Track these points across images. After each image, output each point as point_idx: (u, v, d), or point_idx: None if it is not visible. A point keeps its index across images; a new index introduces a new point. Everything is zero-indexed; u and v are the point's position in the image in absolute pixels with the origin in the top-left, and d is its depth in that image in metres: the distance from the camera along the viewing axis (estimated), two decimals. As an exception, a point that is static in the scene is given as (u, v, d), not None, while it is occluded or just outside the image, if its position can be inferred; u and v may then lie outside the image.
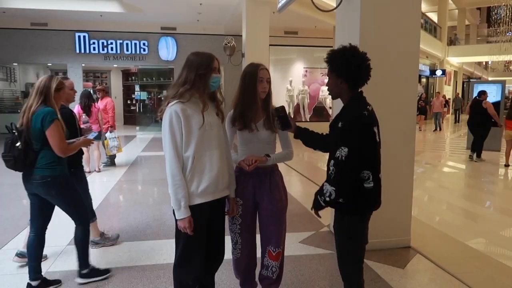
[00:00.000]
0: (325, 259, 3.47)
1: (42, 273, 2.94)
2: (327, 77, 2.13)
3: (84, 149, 4.06)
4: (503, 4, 19.70)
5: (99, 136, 5.35)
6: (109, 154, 7.57)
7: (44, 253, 3.02)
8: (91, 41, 14.45)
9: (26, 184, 2.83)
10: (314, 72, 15.32)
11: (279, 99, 14.08)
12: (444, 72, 23.22)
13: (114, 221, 4.55)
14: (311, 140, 2.36)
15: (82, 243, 2.99)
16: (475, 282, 3.07)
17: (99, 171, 7.31)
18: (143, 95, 16.45)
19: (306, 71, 15.26)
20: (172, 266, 2.24)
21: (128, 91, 17.93)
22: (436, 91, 21.77)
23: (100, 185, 6.42)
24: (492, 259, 3.62)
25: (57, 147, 2.71)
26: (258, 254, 2.53)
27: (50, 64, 15.61)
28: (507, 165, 8.21)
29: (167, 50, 15.02)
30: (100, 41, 14.52)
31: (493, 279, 3.19)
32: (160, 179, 6.73)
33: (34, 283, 2.85)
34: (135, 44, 14.80)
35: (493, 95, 10.07)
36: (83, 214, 2.99)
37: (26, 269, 3.12)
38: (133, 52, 14.85)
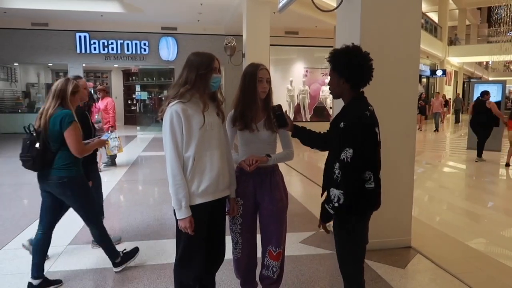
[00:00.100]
0: (325, 259, 3.47)
1: (45, 271, 2.95)
2: (329, 77, 2.13)
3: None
4: (504, 4, 19.70)
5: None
6: (109, 154, 7.56)
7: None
8: (92, 41, 14.46)
9: (42, 183, 2.91)
10: (314, 72, 15.32)
11: (279, 99, 14.08)
12: (444, 72, 23.22)
13: (114, 221, 4.55)
14: (309, 138, 2.36)
15: (101, 239, 3.11)
16: (476, 282, 3.07)
17: (99, 171, 7.30)
18: (144, 95, 16.48)
19: (306, 71, 15.26)
20: (173, 266, 2.24)
21: (128, 91, 17.95)
22: (436, 91, 21.77)
23: (100, 185, 6.42)
24: (493, 259, 3.62)
25: (75, 148, 2.80)
26: (259, 254, 2.53)
27: (51, 64, 15.64)
28: (507, 165, 8.21)
29: (168, 50, 15.03)
30: (101, 41, 14.53)
31: (493, 279, 3.19)
32: (160, 179, 6.73)
33: (35, 282, 2.86)
34: (136, 44, 14.81)
35: (494, 95, 10.06)
36: (94, 215, 3.08)
37: (26, 269, 3.13)
38: (134, 52, 14.85)
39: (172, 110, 2.03)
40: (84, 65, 14.72)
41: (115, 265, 3.17)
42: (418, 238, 3.83)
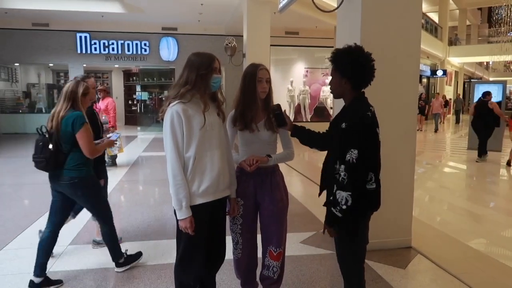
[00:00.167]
0: (326, 259, 3.47)
1: (46, 272, 2.95)
2: (331, 76, 2.12)
3: None
4: (504, 4, 19.69)
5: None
6: (110, 154, 7.57)
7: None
8: (92, 42, 14.48)
9: (53, 182, 2.97)
10: (315, 72, 15.32)
11: (280, 99, 14.07)
12: (445, 72, 23.21)
13: (115, 221, 4.50)
14: (308, 138, 2.36)
15: (110, 238, 3.17)
16: (476, 282, 3.06)
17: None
18: (144, 96, 16.50)
19: (307, 71, 15.26)
20: (173, 266, 2.25)
21: (129, 91, 17.96)
22: (437, 91, 21.75)
23: (101, 185, 6.42)
24: (493, 260, 3.61)
25: (87, 149, 2.86)
26: (259, 254, 2.53)
27: (52, 65, 15.66)
28: (509, 164, 8.21)
29: (168, 51, 15.04)
30: (101, 42, 14.54)
31: (494, 280, 3.19)
32: (161, 180, 6.74)
33: (37, 280, 2.88)
34: (136, 44, 14.82)
35: (494, 95, 10.04)
36: (105, 213, 3.14)
37: (27, 269, 3.14)
38: (134, 52, 14.87)
39: (172, 111, 2.03)
40: (84, 65, 14.73)
41: (118, 265, 3.20)
42: (418, 239, 3.82)
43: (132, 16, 13.11)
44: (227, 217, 2.38)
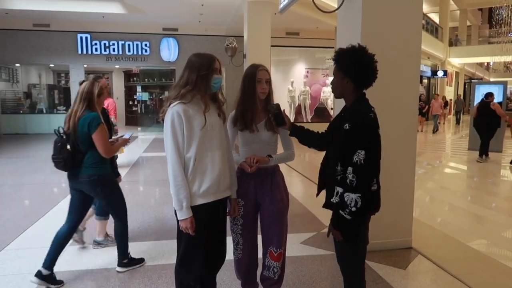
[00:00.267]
0: (326, 260, 3.47)
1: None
2: (333, 76, 2.12)
3: None
4: (505, 5, 19.68)
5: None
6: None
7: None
8: (93, 42, 14.49)
9: (72, 181, 3.07)
10: (315, 73, 15.33)
11: (280, 99, 14.07)
12: (445, 73, 23.21)
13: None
14: (306, 138, 2.35)
15: (121, 236, 3.22)
16: (477, 283, 3.06)
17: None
18: (145, 96, 16.52)
19: (307, 72, 15.27)
20: (174, 267, 2.25)
21: (130, 92, 17.98)
22: (436, 92, 21.74)
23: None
24: (494, 260, 3.61)
25: (103, 149, 2.94)
26: (260, 254, 2.53)
27: (52, 65, 15.69)
28: None
29: (169, 51, 15.05)
30: (102, 42, 14.56)
31: (494, 281, 3.18)
32: (161, 180, 6.74)
33: (44, 272, 2.92)
34: (137, 45, 14.83)
35: (495, 96, 10.06)
36: (121, 210, 3.20)
37: (27, 270, 3.15)
38: (135, 53, 14.88)
39: (173, 111, 2.03)
40: (85, 66, 14.74)
41: (121, 264, 3.22)
42: (419, 239, 3.82)
43: (132, 16, 13.13)
44: (228, 218, 2.38)
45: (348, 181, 1.91)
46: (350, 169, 1.91)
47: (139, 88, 16.53)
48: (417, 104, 3.80)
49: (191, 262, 2.18)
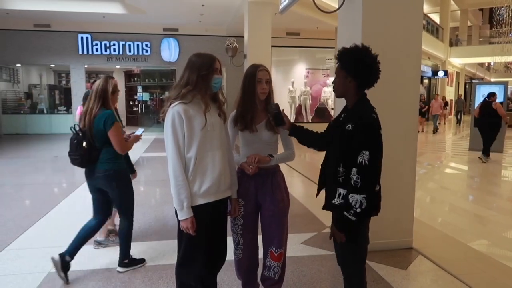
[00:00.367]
0: (327, 260, 3.46)
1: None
2: (335, 75, 2.11)
3: None
4: (506, 5, 19.66)
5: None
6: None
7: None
8: (94, 42, 14.50)
9: (89, 179, 3.14)
10: (316, 73, 15.33)
11: (281, 100, 14.08)
12: (446, 73, 23.19)
13: (116, 222, 4.55)
14: (306, 137, 2.35)
15: (125, 235, 3.23)
16: (477, 283, 3.06)
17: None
18: (145, 96, 16.53)
19: (308, 72, 15.27)
20: (174, 267, 2.25)
21: (130, 92, 17.98)
22: (436, 93, 21.74)
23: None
24: (495, 261, 3.61)
25: (118, 145, 2.99)
26: (260, 254, 2.53)
27: (53, 65, 15.70)
28: None
29: (169, 51, 15.06)
30: (103, 42, 14.57)
31: (495, 281, 3.18)
32: (162, 180, 6.74)
33: (67, 258, 2.99)
34: (138, 45, 14.84)
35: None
36: (131, 209, 3.22)
37: (28, 270, 3.16)
38: (136, 53, 14.89)
39: (173, 111, 2.03)
40: (86, 66, 14.76)
41: (122, 264, 3.23)
42: (419, 239, 3.82)
43: (133, 17, 13.14)
44: (228, 218, 2.38)
45: (352, 182, 1.91)
46: (354, 170, 1.90)
47: (139, 88, 16.54)
48: (417, 105, 3.80)
49: (191, 262, 2.17)
